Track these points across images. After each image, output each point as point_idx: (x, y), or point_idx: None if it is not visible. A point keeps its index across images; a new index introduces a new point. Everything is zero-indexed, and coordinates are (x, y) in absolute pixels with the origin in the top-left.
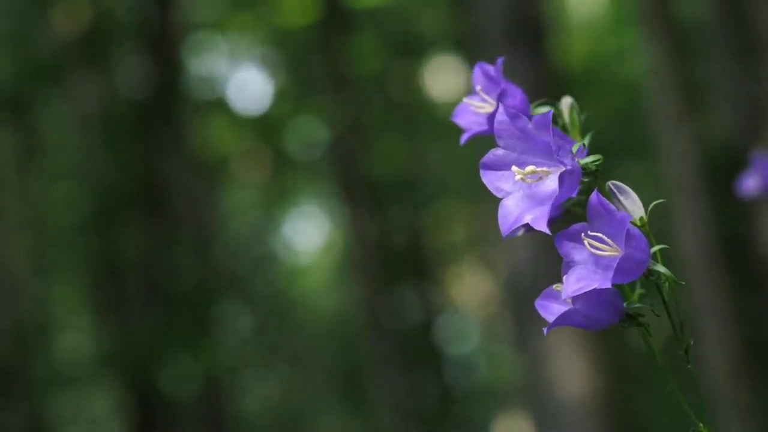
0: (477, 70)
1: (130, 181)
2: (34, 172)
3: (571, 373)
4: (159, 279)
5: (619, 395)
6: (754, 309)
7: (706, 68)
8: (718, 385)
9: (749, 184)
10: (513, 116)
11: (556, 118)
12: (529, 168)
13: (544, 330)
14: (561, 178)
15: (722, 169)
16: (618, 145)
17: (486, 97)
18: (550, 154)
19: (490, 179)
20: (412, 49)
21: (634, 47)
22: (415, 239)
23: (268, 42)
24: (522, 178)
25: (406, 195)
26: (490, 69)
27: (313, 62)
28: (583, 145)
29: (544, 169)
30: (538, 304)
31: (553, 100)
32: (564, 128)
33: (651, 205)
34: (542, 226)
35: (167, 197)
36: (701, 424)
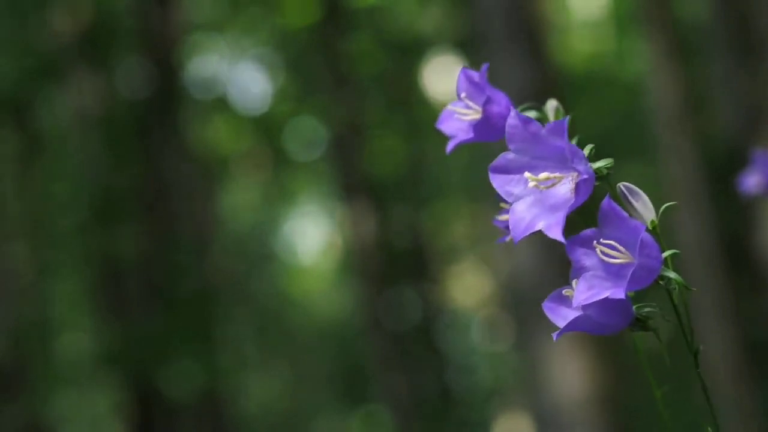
0: (461, 76)
1: (130, 181)
2: (34, 172)
3: (571, 373)
4: (159, 279)
5: (619, 395)
6: (755, 309)
7: (706, 68)
8: (719, 385)
9: (750, 182)
10: (525, 121)
11: (542, 121)
12: (543, 174)
13: (554, 335)
14: (578, 186)
15: (722, 169)
16: (618, 146)
17: (471, 104)
18: (562, 159)
19: (499, 183)
20: (412, 49)
21: (634, 47)
22: (415, 239)
23: (268, 42)
24: (536, 185)
25: (406, 195)
26: (474, 75)
27: (313, 62)
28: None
29: (557, 174)
30: (546, 306)
31: (540, 104)
32: None
33: (662, 208)
34: (557, 235)
35: (167, 197)
36: (709, 427)
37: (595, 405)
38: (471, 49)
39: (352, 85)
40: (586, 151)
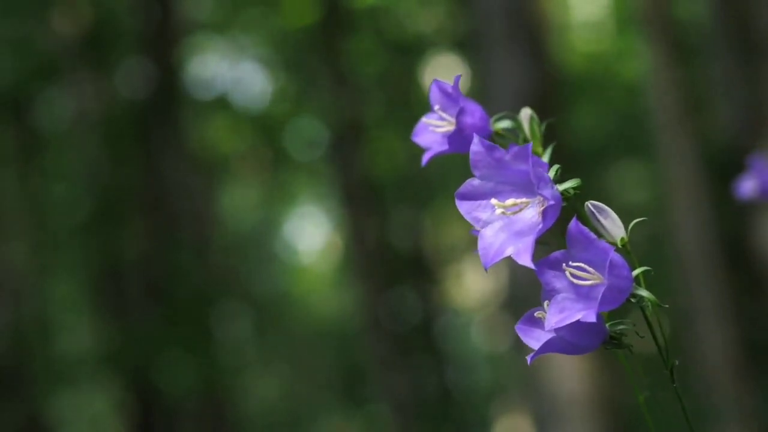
0: (433, 88)
1: (130, 181)
2: (34, 172)
3: (571, 373)
4: (159, 279)
5: (617, 395)
6: (754, 309)
7: (706, 68)
8: (718, 384)
9: (746, 187)
10: (489, 147)
11: (517, 130)
12: (510, 201)
13: (528, 358)
14: (545, 212)
15: (722, 169)
16: (618, 146)
17: (444, 115)
18: (528, 184)
19: (466, 209)
20: (412, 49)
21: (634, 47)
22: (415, 239)
23: (268, 42)
24: (503, 211)
25: (406, 195)
26: (448, 86)
27: (313, 62)
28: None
29: (524, 200)
30: (519, 328)
31: (514, 114)
32: (524, 140)
33: (630, 225)
34: (526, 261)
35: (167, 197)
36: None
37: (594, 405)
38: (471, 49)
39: (352, 85)
40: (552, 173)
